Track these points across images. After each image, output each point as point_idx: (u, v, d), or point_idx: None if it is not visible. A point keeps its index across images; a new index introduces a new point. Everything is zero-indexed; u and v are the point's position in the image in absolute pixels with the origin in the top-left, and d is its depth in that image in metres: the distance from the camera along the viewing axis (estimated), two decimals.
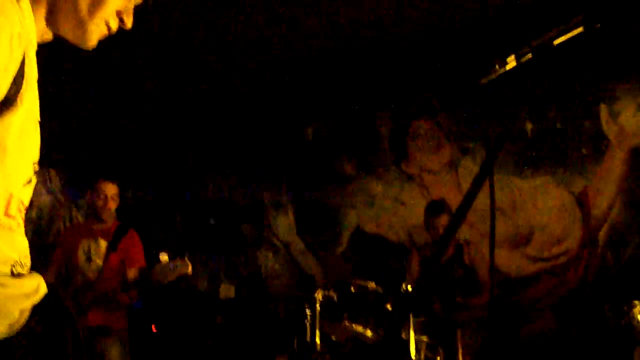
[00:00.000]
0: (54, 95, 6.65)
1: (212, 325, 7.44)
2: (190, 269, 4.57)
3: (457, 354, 5.00)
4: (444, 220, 5.58)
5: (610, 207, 5.83)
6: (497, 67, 2.06)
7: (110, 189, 5.12)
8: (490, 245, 2.12)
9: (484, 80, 2.10)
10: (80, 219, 9.64)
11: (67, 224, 9.82)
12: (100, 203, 5.09)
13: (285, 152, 7.83)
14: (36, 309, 1.79)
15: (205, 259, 7.98)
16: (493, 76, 2.08)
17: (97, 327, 4.84)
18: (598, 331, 5.42)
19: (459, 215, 1.84)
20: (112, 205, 5.14)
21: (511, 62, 2.04)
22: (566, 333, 5.75)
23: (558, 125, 6.12)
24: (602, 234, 5.84)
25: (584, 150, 6.00)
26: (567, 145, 6.07)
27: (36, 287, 1.75)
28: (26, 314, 1.69)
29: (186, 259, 4.57)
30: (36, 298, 1.72)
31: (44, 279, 4.97)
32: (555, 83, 5.98)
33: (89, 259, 5.01)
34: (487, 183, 1.96)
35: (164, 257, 4.55)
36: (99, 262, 4.98)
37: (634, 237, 5.69)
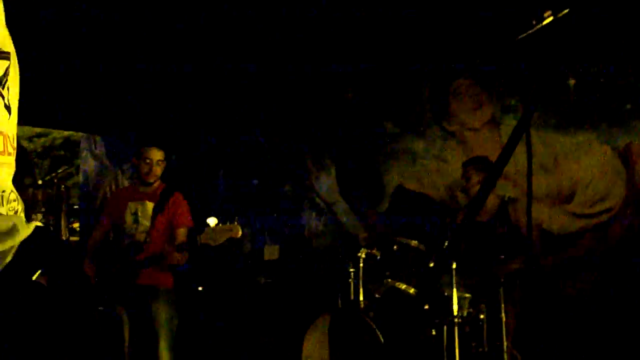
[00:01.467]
0: (94, 63, 6.78)
1: (257, 286, 7.54)
2: (240, 232, 4.65)
3: (500, 311, 5.03)
4: (480, 176, 5.60)
5: None
6: (533, 22, 2.06)
7: (156, 155, 5.21)
8: (527, 203, 2.14)
9: (521, 36, 2.11)
10: (126, 183, 9.80)
11: (113, 188, 10.00)
12: (146, 169, 5.18)
13: (328, 112, 7.85)
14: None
15: (248, 220, 8.06)
16: (530, 32, 2.09)
17: (147, 287, 4.96)
18: (637, 290, 5.41)
19: (496, 170, 1.86)
20: (158, 170, 5.23)
21: (548, 17, 2.04)
22: (606, 291, 5.75)
23: (601, 81, 6.05)
24: None
25: (627, 106, 5.94)
26: (610, 101, 6.01)
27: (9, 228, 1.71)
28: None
29: (236, 222, 4.64)
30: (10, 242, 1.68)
31: (91, 241, 5.08)
32: (599, 38, 5.91)
33: (136, 221, 5.12)
34: (524, 140, 1.98)
35: (213, 220, 4.62)
36: (146, 223, 5.09)
37: None
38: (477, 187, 5.63)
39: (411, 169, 7.20)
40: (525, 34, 2.09)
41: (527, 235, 5.40)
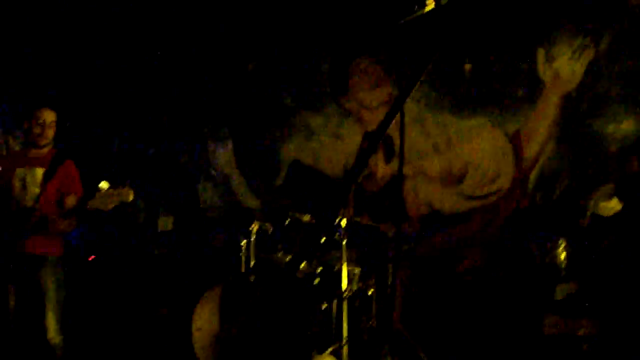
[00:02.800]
0: None
1: (150, 257, 7.46)
2: (131, 196, 4.57)
3: (387, 286, 5.13)
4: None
5: (541, 150, 6.00)
6: (415, 7, 2.10)
7: (49, 116, 5.06)
8: (398, 174, 2.18)
9: (404, 20, 2.15)
10: (17, 148, 9.50)
11: (3, 153, 9.68)
12: (38, 130, 5.02)
13: (226, 85, 7.80)
14: None
15: (143, 190, 7.95)
16: (413, 16, 2.13)
17: (35, 255, 4.84)
18: (524, 268, 5.61)
19: (376, 137, 1.91)
20: (50, 132, 5.08)
21: (430, 4, 2.09)
22: (494, 269, 5.94)
23: (496, 67, 6.22)
24: (532, 175, 6.02)
25: (519, 93, 6.13)
26: (503, 87, 6.19)
27: None
28: None
29: (127, 186, 4.57)
30: None
31: None
32: (495, 25, 6.07)
33: (24, 187, 4.97)
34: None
35: (104, 184, 4.54)
36: (35, 190, 4.94)
37: (562, 179, 5.87)
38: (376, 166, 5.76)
39: (307, 145, 7.24)
40: (407, 18, 2.14)
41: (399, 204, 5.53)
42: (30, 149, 5.13)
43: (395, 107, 1.92)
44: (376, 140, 1.88)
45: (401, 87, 6.63)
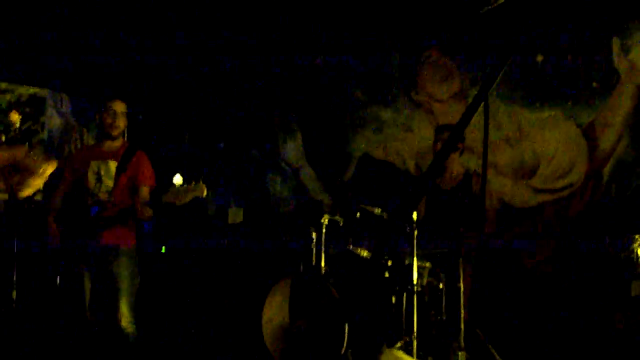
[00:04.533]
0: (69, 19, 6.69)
1: (221, 249, 7.54)
2: (205, 192, 4.62)
3: (458, 281, 5.09)
4: None
5: (616, 142, 5.86)
6: None
7: (119, 106, 5.14)
8: (482, 176, 2.16)
9: (484, 9, 2.13)
10: (92, 142, 9.70)
11: (78, 147, 9.89)
12: (109, 120, 5.10)
13: (297, 78, 7.83)
14: None
15: (214, 182, 8.04)
16: (492, 5, 2.11)
17: (109, 246, 4.93)
18: (598, 263, 5.50)
19: (455, 135, 1.89)
20: (121, 122, 5.15)
21: None
22: (567, 265, 5.84)
23: (569, 58, 6.10)
24: (606, 169, 5.89)
25: (593, 84, 6.00)
26: (576, 78, 6.07)
27: None
28: None
29: (201, 182, 4.61)
30: None
31: (54, 200, 5.05)
32: (568, 15, 5.95)
33: (99, 180, 5.06)
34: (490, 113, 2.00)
35: (178, 179, 4.59)
36: (109, 183, 5.03)
37: (638, 173, 5.74)
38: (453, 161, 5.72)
39: (378, 138, 7.23)
40: (487, 8, 2.12)
41: (481, 209, 5.48)
42: (104, 141, 5.21)
43: (477, 101, 1.89)
44: (456, 137, 1.87)
45: (474, 79, 6.56)
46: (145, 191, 4.97)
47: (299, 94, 7.82)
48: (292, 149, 7.88)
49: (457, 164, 5.79)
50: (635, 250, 5.20)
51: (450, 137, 1.90)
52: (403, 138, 7.04)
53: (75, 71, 8.48)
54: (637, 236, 5.20)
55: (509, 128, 6.34)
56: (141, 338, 5.01)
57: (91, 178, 5.06)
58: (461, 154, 5.78)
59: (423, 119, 6.91)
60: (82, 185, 5.10)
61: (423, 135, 6.84)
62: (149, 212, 4.81)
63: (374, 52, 7.25)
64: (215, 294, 6.89)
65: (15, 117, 4.53)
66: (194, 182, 4.60)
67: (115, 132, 5.14)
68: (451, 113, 6.68)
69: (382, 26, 6.99)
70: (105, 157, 5.13)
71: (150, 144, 6.53)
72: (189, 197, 4.60)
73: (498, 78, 2.03)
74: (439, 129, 5.98)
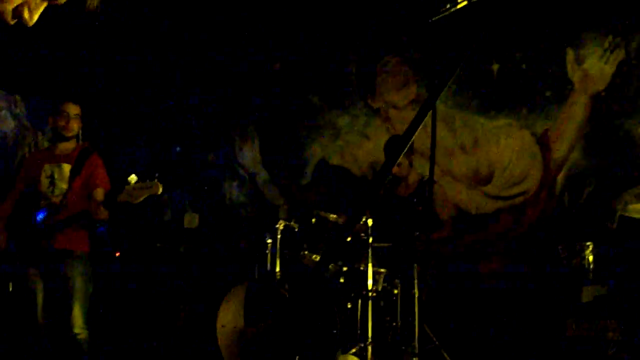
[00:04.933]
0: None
1: (175, 254, 7.48)
2: (160, 189, 4.56)
3: (413, 287, 5.12)
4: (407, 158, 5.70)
5: (570, 151, 5.94)
6: (448, 5, 2.09)
7: (73, 109, 5.07)
8: (429, 181, 2.16)
9: (434, 18, 2.13)
10: (46, 144, 9.58)
11: (33, 150, 9.76)
12: (62, 123, 5.03)
13: (253, 84, 7.82)
14: None
15: (170, 187, 7.99)
16: (444, 14, 2.11)
17: (62, 251, 4.86)
18: (550, 270, 5.56)
19: (402, 145, 1.88)
20: (74, 124, 5.08)
21: (462, 2, 2.06)
22: (520, 271, 5.90)
23: (524, 67, 6.18)
24: (560, 177, 5.97)
25: (547, 93, 6.08)
26: (531, 87, 6.15)
27: None
28: None
29: (155, 180, 4.56)
30: None
31: (4, 206, 4.95)
32: (523, 24, 6.02)
33: (52, 183, 4.99)
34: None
35: (133, 177, 4.54)
36: (63, 186, 4.96)
37: (590, 181, 5.82)
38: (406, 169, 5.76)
39: (334, 144, 7.25)
40: (437, 17, 2.12)
41: (430, 212, 5.53)
42: (57, 144, 5.15)
43: (425, 108, 1.89)
44: (406, 143, 1.86)
45: (429, 86, 6.60)
46: (100, 193, 4.90)
47: (256, 99, 7.81)
48: (249, 154, 7.86)
49: (413, 172, 5.83)
50: (587, 257, 5.27)
51: (400, 143, 1.89)
52: (360, 144, 7.07)
53: (29, 72, 8.37)
54: (588, 243, 5.26)
55: (464, 136, 6.40)
56: (94, 344, 4.95)
57: (44, 182, 4.99)
58: (411, 164, 5.81)
59: (380, 126, 6.94)
60: (35, 189, 5.03)
61: (380, 142, 6.86)
62: (104, 213, 4.74)
63: (332, 58, 7.27)
64: (170, 299, 6.83)
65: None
66: (148, 180, 4.56)
67: (68, 134, 5.07)
68: (408, 120, 6.71)
69: (340, 33, 7.01)
70: (59, 160, 5.06)
71: (105, 147, 6.45)
72: (144, 195, 4.54)
73: (446, 85, 2.03)
74: (391, 140, 6.00)
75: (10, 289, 5.63)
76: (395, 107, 6.87)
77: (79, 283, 4.87)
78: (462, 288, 6.04)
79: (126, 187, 4.53)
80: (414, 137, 1.94)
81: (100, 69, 8.04)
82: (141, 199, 4.54)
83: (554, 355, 5.04)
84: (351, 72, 7.17)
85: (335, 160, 7.22)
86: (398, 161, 1.96)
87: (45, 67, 8.11)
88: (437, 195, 6.11)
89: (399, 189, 5.81)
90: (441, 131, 6.30)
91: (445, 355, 5.04)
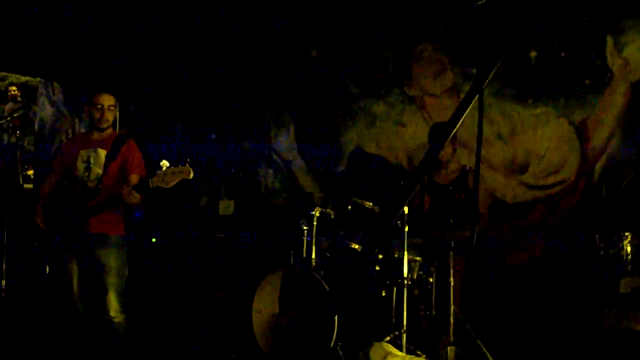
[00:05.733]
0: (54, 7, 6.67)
1: (212, 240, 7.52)
2: (191, 173, 4.60)
3: (449, 276, 5.11)
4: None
5: (608, 140, 5.88)
6: None
7: (107, 100, 5.12)
8: (475, 171, 2.15)
9: (478, 2, 2.12)
10: (83, 130, 9.68)
11: (70, 136, 9.87)
12: (97, 114, 5.09)
13: (290, 70, 7.82)
14: None
15: (205, 174, 8.03)
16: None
17: (98, 235, 4.91)
18: (587, 260, 5.52)
19: (446, 134, 1.89)
20: (109, 115, 5.13)
21: None
22: (556, 261, 5.86)
23: (562, 55, 6.11)
24: (598, 166, 5.91)
25: (586, 82, 6.01)
26: (569, 75, 6.08)
27: None
28: None
29: (187, 164, 4.60)
30: None
31: (43, 189, 5.04)
32: (562, 11, 5.96)
33: (88, 168, 5.04)
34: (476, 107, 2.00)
35: (164, 163, 4.58)
36: (98, 170, 5.00)
37: (629, 171, 5.76)
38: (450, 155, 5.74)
39: (370, 131, 7.23)
40: (480, 2, 2.11)
41: (474, 203, 5.50)
42: (94, 131, 5.21)
43: (470, 96, 1.89)
44: (451, 129, 1.86)
45: (466, 74, 6.56)
46: (135, 178, 4.94)
47: (292, 86, 7.81)
48: (285, 142, 7.87)
49: (453, 160, 5.80)
50: (625, 248, 5.21)
51: (441, 137, 1.89)
52: (396, 132, 7.04)
53: (67, 59, 8.45)
54: (626, 233, 5.21)
55: (501, 124, 6.35)
56: (130, 329, 5.00)
57: (80, 166, 5.05)
58: (454, 151, 5.79)
59: (416, 114, 6.91)
60: (71, 174, 5.09)
61: (416, 130, 6.84)
62: (137, 197, 4.78)
63: (369, 45, 7.25)
64: (206, 285, 6.88)
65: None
66: (180, 165, 4.59)
67: (103, 126, 5.12)
68: (444, 108, 6.69)
69: (376, 20, 6.99)
70: (95, 145, 5.11)
71: (142, 133, 6.51)
72: (176, 179, 4.58)
73: (491, 74, 2.03)
74: (434, 128, 5.98)
75: (47, 272, 5.72)
76: (431, 95, 6.84)
77: (114, 267, 4.93)
78: (497, 278, 6.01)
79: (158, 171, 4.57)
80: (459, 125, 1.93)
81: (138, 57, 8.09)
82: (173, 183, 4.58)
83: (590, 346, 5.01)
84: (388, 59, 7.14)
85: (370, 148, 7.20)
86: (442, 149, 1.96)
87: (83, 55, 8.18)
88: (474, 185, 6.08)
89: (439, 176, 5.79)
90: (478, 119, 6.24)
91: (481, 344, 5.02)
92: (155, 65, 8.29)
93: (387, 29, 7.07)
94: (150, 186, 4.60)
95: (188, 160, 4.58)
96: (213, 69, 8.27)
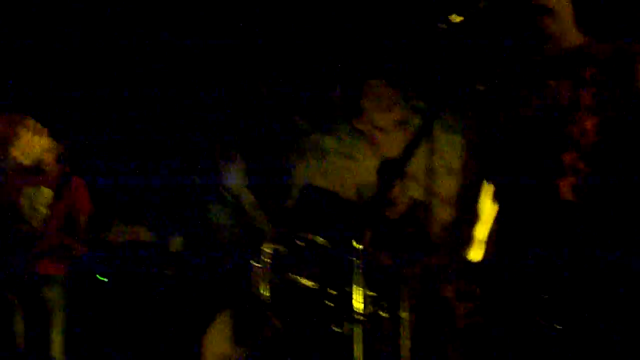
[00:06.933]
0: None
1: (162, 277, 7.43)
2: (147, 236, 4.60)
3: (399, 309, 5.09)
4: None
5: None
6: (442, 23, 2.08)
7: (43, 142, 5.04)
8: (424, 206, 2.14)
9: (441, 26, 2.11)
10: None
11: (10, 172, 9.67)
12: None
13: (238, 106, 7.80)
14: None
15: (154, 210, 7.94)
16: (438, 31, 2.10)
17: (42, 275, 4.82)
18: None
19: (398, 169, 1.87)
20: (47, 156, 5.05)
21: (455, 18, 2.06)
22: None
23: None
24: None
25: None
26: None
27: None
28: None
29: (144, 225, 4.59)
30: None
31: None
32: (512, 46, 6.03)
33: (32, 207, 4.94)
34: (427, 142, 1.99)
35: (117, 224, 4.58)
36: (43, 210, 4.92)
37: None
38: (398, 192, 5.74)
39: (320, 166, 7.23)
40: (442, 26, 2.11)
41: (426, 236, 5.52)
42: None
43: (420, 135, 1.88)
44: (401, 167, 1.84)
45: (415, 108, 6.61)
46: (83, 221, 4.87)
47: (241, 121, 7.79)
48: (234, 176, 7.83)
49: (402, 196, 5.81)
50: None
51: (393, 174, 1.89)
52: (346, 167, 7.05)
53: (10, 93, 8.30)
54: None
55: (450, 157, 6.38)
56: None
57: (25, 204, 4.93)
58: (403, 185, 5.80)
59: (366, 148, 6.94)
60: (14, 212, 4.97)
61: (366, 164, 6.85)
62: (84, 249, 4.75)
63: (318, 81, 7.27)
64: (154, 322, 6.77)
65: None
66: (135, 227, 4.58)
67: (43, 167, 5.03)
68: (394, 142, 6.71)
69: (325, 54, 7.02)
70: (38, 183, 5.00)
71: (86, 171, 6.41)
72: (128, 238, 4.57)
73: (439, 113, 2.03)
74: (383, 165, 6.01)
75: None
76: (380, 129, 6.87)
77: (58, 307, 4.85)
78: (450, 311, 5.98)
79: (114, 228, 4.54)
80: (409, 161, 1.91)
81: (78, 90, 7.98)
82: (126, 240, 4.57)
83: None
84: (337, 94, 7.17)
85: (321, 183, 7.20)
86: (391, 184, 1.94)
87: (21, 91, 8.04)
88: (427, 218, 6.08)
89: (388, 211, 5.79)
90: (428, 154, 6.27)
91: None
92: (99, 97, 8.18)
93: (337, 64, 7.10)
94: (101, 238, 4.58)
95: (144, 221, 4.58)
96: (159, 101, 8.20)
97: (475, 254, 2.65)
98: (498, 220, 2.55)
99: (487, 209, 2.76)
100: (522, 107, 2.43)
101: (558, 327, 2.31)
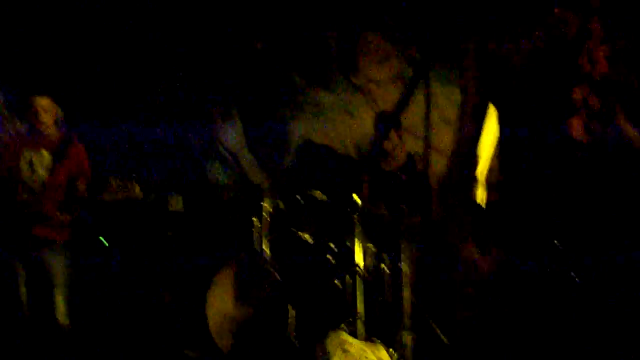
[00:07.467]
0: None
1: (163, 238, 7.44)
2: (140, 194, 4.61)
3: (399, 262, 5.12)
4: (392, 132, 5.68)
5: None
6: None
7: (41, 102, 5.01)
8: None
9: None
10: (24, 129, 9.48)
11: (11, 131, 9.65)
12: (33, 118, 5.00)
13: (235, 63, 7.76)
14: None
15: (151, 170, 7.94)
16: None
17: (43, 239, 4.83)
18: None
19: (395, 122, 1.88)
20: (46, 117, 5.02)
21: None
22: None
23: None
24: None
25: None
26: None
27: None
28: None
29: (134, 182, 4.59)
30: None
31: None
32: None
33: (32, 170, 4.93)
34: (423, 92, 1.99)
35: (113, 181, 4.57)
36: (43, 173, 4.91)
37: None
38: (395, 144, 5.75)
39: (317, 122, 7.22)
40: None
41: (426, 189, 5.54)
42: (37, 133, 5.09)
43: (412, 85, 1.88)
44: (398, 120, 1.85)
45: (411, 61, 6.58)
46: (82, 186, 4.87)
47: (238, 79, 7.76)
48: (232, 135, 7.82)
49: (399, 147, 5.81)
50: None
51: (390, 125, 1.88)
52: (343, 122, 7.05)
53: (6, 61, 8.27)
54: None
55: (447, 109, 6.38)
56: (78, 332, 4.95)
57: (24, 167, 4.93)
58: (400, 137, 5.79)
59: (362, 103, 6.92)
60: (14, 176, 4.96)
61: (363, 118, 6.84)
62: (77, 210, 4.77)
63: (313, 36, 7.23)
64: (157, 282, 6.81)
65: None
66: (127, 182, 4.57)
67: (42, 129, 5.01)
68: (389, 96, 6.70)
69: (320, 8, 6.98)
70: (38, 146, 4.99)
71: (85, 132, 6.39)
72: (121, 196, 4.58)
73: (433, 63, 2.02)
74: (380, 117, 6.00)
75: None
76: (377, 82, 6.85)
77: (60, 271, 4.87)
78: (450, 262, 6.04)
79: (107, 188, 4.55)
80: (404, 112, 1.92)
81: (76, 55, 7.95)
82: (119, 198, 4.58)
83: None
84: (332, 49, 7.14)
85: (318, 139, 7.20)
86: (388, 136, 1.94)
87: (20, 54, 8.01)
88: (423, 169, 6.10)
89: (386, 164, 5.80)
90: (424, 106, 6.28)
91: (437, 328, 5.06)
92: (95, 59, 8.15)
93: (332, 18, 7.06)
94: (98, 199, 4.58)
95: (134, 176, 4.56)
96: (157, 60, 8.16)
97: (480, 195, 2.65)
98: (500, 162, 2.52)
99: (488, 150, 2.74)
100: (523, 39, 2.35)
101: (575, 278, 2.28)
